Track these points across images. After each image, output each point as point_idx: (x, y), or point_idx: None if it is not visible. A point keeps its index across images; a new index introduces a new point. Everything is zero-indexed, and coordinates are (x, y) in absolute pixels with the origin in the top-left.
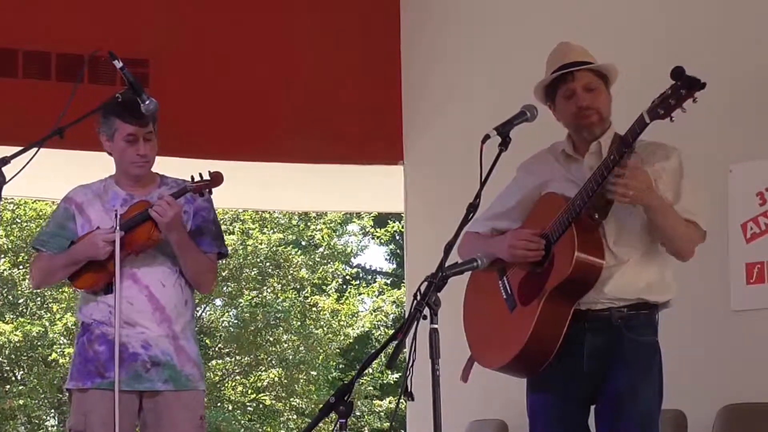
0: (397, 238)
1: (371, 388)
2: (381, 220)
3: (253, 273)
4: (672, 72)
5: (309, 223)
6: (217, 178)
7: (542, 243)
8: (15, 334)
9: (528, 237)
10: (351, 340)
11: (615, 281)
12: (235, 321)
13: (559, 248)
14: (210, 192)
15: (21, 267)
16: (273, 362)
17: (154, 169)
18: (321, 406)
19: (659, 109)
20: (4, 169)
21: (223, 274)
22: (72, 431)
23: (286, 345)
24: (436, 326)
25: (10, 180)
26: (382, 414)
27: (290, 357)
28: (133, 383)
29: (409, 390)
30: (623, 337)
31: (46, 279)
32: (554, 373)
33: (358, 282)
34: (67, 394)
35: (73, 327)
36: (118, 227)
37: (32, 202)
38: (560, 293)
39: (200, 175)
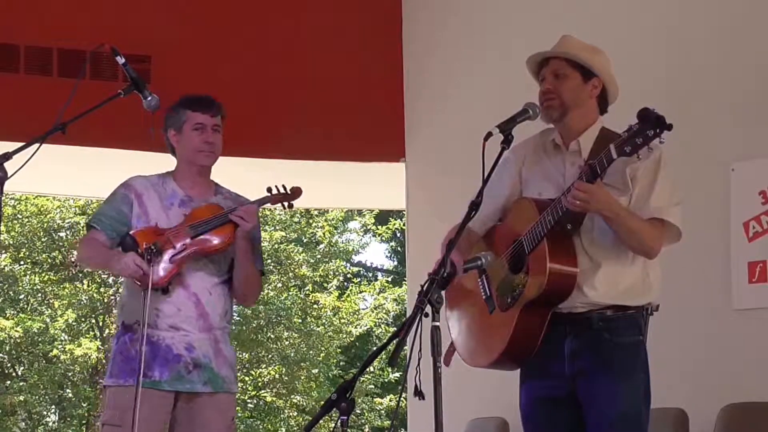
0: (399, 235)
1: (372, 386)
2: (382, 217)
3: None
4: (638, 114)
5: (311, 221)
6: (296, 193)
7: None
8: (16, 330)
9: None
10: (352, 338)
11: (595, 285)
12: (237, 318)
13: (533, 259)
14: (290, 206)
15: (22, 263)
16: (274, 359)
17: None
18: (322, 403)
19: (626, 147)
20: (5, 164)
21: None
22: (106, 425)
23: (287, 342)
24: (438, 324)
25: (11, 176)
26: (383, 412)
27: (291, 354)
28: (176, 384)
29: (419, 389)
30: (604, 340)
31: (86, 263)
32: (539, 374)
33: (359, 279)
34: (102, 390)
35: (74, 323)
36: (151, 267)
37: (33, 198)
38: (536, 304)
39: (281, 186)
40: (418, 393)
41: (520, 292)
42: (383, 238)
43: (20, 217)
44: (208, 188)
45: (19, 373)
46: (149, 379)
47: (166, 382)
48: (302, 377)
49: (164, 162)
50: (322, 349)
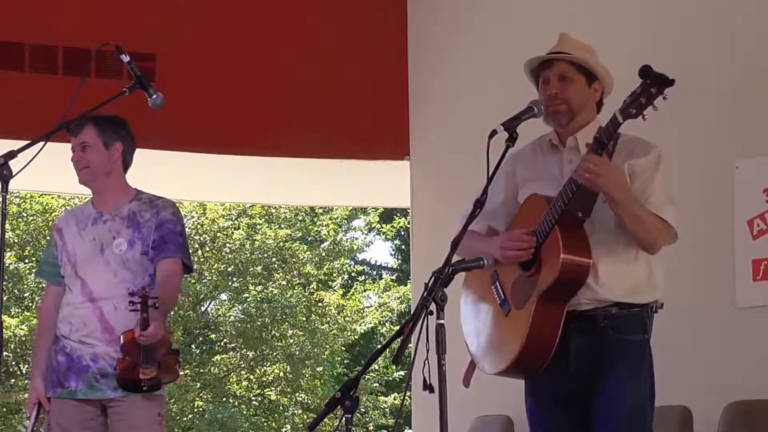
0: (403, 233)
1: (376, 384)
2: (387, 215)
3: (258, 268)
4: (640, 71)
5: (315, 219)
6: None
7: (533, 241)
8: (21, 328)
9: (519, 237)
10: (356, 336)
11: (600, 279)
12: (242, 316)
13: (546, 250)
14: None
15: (27, 261)
16: (279, 357)
17: (135, 184)
18: (326, 401)
19: (631, 109)
20: (10, 163)
21: (230, 269)
22: None
23: (291, 340)
24: (442, 321)
25: (16, 174)
26: (387, 410)
27: (296, 352)
28: (89, 392)
29: (428, 382)
30: (609, 338)
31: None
32: (544, 375)
33: (363, 278)
34: None
35: None
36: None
37: (38, 196)
38: (551, 295)
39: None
40: (428, 387)
41: (535, 284)
42: (388, 237)
43: (25, 215)
44: (119, 201)
45: (24, 371)
46: (66, 390)
47: (80, 391)
48: (307, 375)
49: (169, 159)
50: (327, 347)
